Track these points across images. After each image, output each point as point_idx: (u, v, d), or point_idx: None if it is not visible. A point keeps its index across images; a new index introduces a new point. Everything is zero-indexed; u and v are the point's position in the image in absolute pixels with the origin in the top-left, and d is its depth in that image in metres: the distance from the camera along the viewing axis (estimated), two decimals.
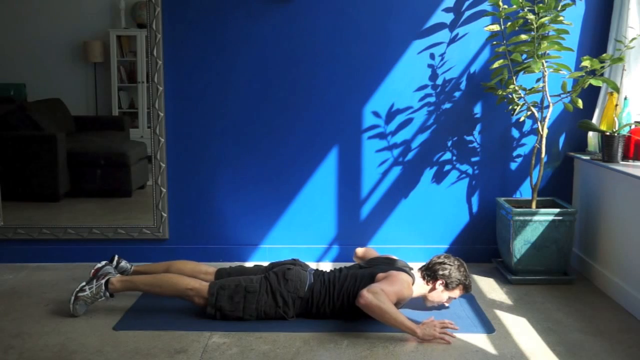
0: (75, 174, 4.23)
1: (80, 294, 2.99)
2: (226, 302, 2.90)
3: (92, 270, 3.11)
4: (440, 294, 3.03)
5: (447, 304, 3.10)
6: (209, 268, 3.19)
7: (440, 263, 3.03)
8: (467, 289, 3.05)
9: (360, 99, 3.75)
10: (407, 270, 3.02)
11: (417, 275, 3.05)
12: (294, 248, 3.80)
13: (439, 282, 3.01)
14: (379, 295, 2.72)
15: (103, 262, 3.17)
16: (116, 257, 3.27)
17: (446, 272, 3.00)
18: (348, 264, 3.28)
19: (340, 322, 2.92)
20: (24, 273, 3.65)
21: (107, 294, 2.99)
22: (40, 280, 3.52)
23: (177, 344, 2.70)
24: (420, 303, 3.11)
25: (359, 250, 3.40)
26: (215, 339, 2.75)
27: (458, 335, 2.79)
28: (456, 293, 3.04)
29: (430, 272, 3.03)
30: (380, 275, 2.93)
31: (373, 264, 3.10)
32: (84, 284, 3.03)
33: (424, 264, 3.13)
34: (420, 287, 3.04)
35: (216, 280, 3.01)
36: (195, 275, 3.09)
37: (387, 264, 3.08)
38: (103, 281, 3.00)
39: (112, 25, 4.35)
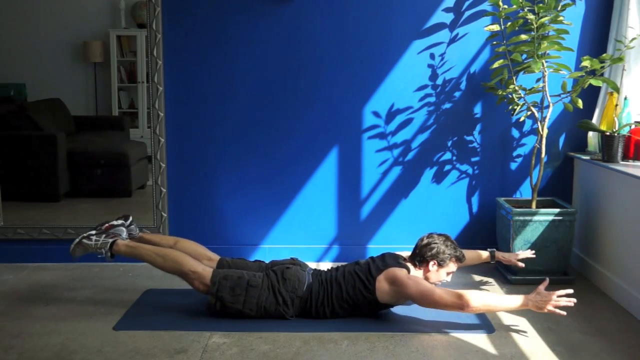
0: (75, 174, 4.23)
1: (85, 241, 3.00)
2: (227, 293, 2.89)
3: (107, 224, 3.10)
4: (437, 274, 3.04)
5: (448, 280, 3.11)
6: (213, 255, 3.19)
7: (426, 245, 3.03)
8: (459, 259, 3.07)
9: (361, 99, 3.75)
10: (399, 263, 2.99)
11: (409, 265, 3.03)
12: (294, 248, 3.80)
13: (431, 263, 3.01)
14: (463, 296, 2.74)
15: (120, 221, 3.15)
16: (130, 217, 3.24)
17: (434, 251, 3.01)
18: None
19: (340, 322, 2.91)
20: (24, 273, 3.65)
21: (109, 254, 2.99)
22: (40, 280, 3.52)
23: (177, 344, 2.70)
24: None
25: None
26: (215, 339, 2.74)
27: (458, 335, 2.79)
28: (451, 267, 3.06)
29: (419, 257, 3.04)
30: (381, 277, 2.88)
31: (367, 261, 3.07)
32: (93, 232, 3.04)
33: (409, 253, 3.12)
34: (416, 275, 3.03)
35: (219, 270, 3.00)
36: (198, 259, 3.08)
37: (380, 260, 3.03)
38: (110, 240, 3.00)
39: (112, 25, 4.35)
